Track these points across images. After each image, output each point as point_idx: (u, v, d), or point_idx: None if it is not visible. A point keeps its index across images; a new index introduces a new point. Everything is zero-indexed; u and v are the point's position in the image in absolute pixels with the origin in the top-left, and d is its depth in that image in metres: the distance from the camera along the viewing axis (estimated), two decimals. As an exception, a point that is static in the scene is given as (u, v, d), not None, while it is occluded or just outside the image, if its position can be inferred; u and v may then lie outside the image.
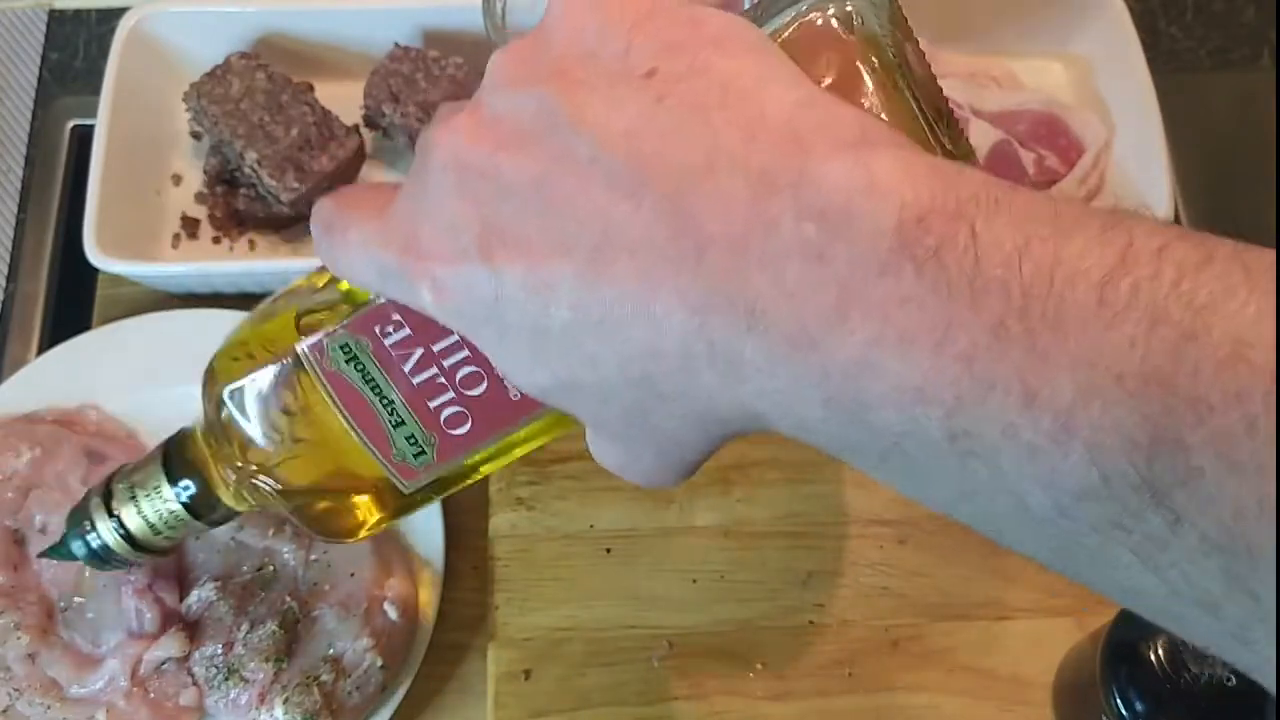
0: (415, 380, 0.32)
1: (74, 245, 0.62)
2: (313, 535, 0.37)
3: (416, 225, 0.27)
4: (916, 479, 0.24)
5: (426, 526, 0.56)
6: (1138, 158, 0.67)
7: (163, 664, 0.52)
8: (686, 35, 0.25)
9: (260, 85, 0.64)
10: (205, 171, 0.67)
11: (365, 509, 0.36)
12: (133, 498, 0.40)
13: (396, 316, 0.32)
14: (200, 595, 0.53)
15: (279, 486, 0.35)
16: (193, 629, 0.53)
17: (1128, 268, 0.21)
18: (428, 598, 0.55)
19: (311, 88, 0.66)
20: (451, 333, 0.31)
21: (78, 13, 0.75)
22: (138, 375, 0.59)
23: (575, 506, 0.57)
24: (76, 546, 0.42)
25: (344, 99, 0.66)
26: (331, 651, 0.52)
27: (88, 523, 0.41)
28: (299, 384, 0.33)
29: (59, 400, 0.58)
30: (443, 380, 0.32)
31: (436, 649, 0.54)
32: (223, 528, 0.54)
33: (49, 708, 0.51)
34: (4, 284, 0.67)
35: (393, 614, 0.53)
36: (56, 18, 0.75)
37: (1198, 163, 0.71)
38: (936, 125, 0.29)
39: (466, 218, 0.26)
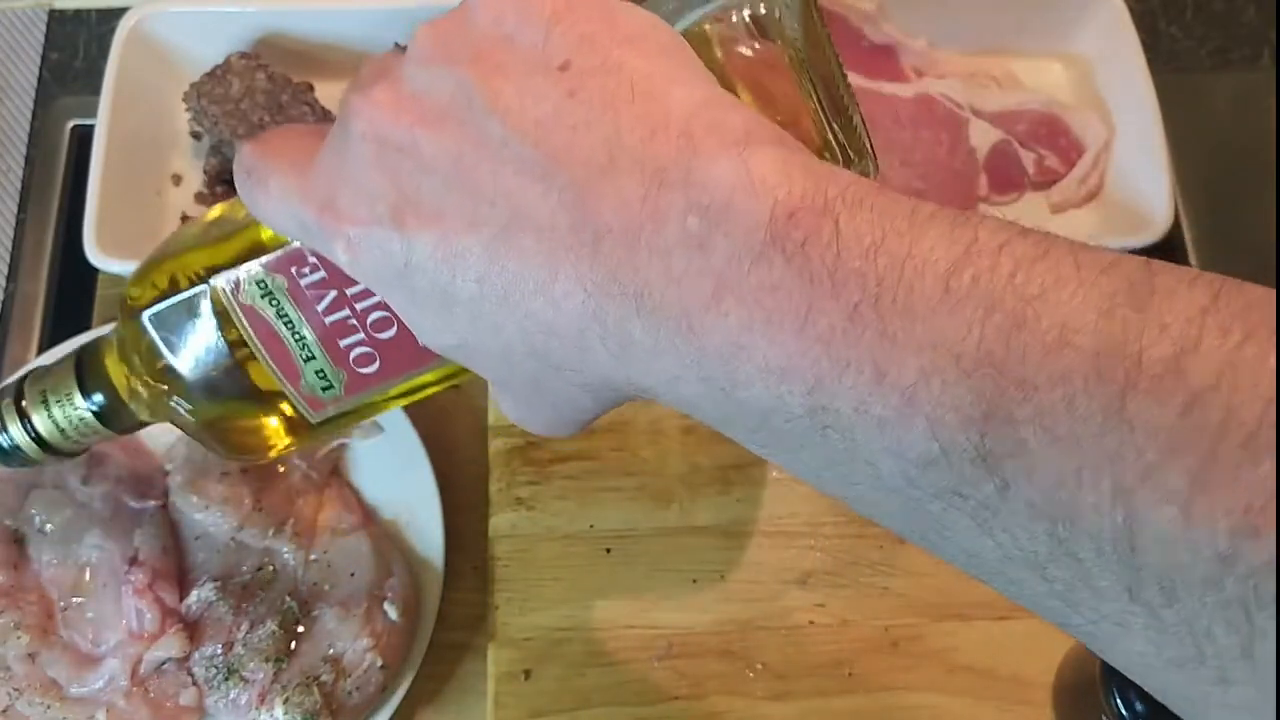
0: (327, 320, 0.33)
1: (74, 245, 0.62)
2: (221, 454, 0.38)
3: (335, 187, 0.28)
4: (784, 450, 0.26)
5: (426, 526, 0.56)
6: (1138, 158, 0.67)
7: (163, 664, 0.52)
8: (601, 30, 0.27)
9: (260, 85, 0.64)
10: (205, 171, 0.67)
11: (274, 433, 0.37)
12: (44, 403, 0.40)
13: (313, 260, 0.33)
14: (200, 595, 0.53)
15: (189, 407, 0.36)
16: (193, 629, 0.53)
17: (970, 261, 0.23)
18: (428, 598, 0.55)
19: (311, 88, 0.66)
20: None
21: (78, 13, 0.75)
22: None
23: (575, 506, 0.57)
24: None
25: (344, 99, 0.66)
26: (331, 651, 0.52)
27: None
28: (214, 312, 0.34)
29: (59, 400, 0.58)
30: (354, 322, 0.33)
31: (436, 649, 0.54)
32: (223, 528, 0.55)
33: (49, 707, 0.51)
34: (4, 284, 0.67)
35: (393, 614, 0.53)
36: (56, 18, 0.75)
37: (1198, 163, 0.71)
38: (835, 121, 0.31)
39: (383, 187, 0.27)
